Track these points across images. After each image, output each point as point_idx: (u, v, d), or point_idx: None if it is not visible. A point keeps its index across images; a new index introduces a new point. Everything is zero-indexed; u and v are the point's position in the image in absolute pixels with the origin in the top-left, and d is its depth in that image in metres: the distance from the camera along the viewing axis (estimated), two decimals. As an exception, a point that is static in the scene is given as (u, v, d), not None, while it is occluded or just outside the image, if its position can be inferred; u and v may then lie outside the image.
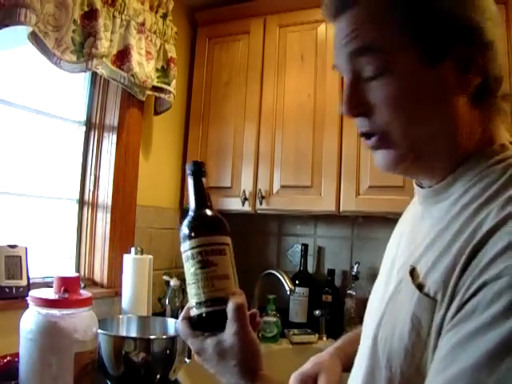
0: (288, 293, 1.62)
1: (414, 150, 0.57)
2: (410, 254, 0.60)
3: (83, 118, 1.70)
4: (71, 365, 0.98)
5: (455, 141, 0.56)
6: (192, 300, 0.64)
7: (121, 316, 1.44)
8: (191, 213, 0.68)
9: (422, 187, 0.64)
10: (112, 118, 1.69)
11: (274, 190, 1.81)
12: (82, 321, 1.02)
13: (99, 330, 1.10)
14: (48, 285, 1.33)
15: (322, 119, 1.74)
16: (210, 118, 1.98)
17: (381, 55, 0.54)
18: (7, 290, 1.26)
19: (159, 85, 1.72)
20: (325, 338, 1.79)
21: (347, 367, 0.73)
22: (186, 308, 0.67)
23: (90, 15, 1.38)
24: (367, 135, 0.61)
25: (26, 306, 1.02)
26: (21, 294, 1.26)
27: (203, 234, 0.65)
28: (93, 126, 1.71)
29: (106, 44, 1.44)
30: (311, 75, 1.79)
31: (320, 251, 2.04)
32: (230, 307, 0.63)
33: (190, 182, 0.69)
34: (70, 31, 1.33)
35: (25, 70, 1.48)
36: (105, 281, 1.63)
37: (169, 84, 1.75)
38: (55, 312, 0.99)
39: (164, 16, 1.74)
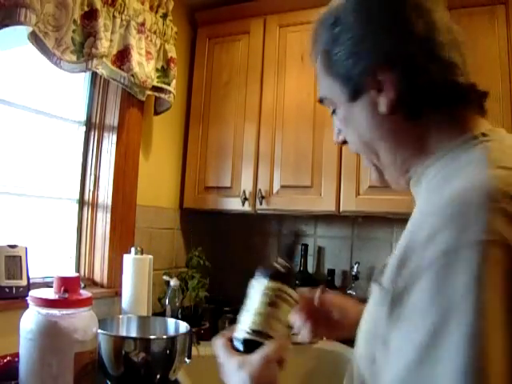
0: (288, 293, 1.62)
1: (376, 168, 0.68)
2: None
3: (83, 118, 1.70)
4: (71, 365, 0.98)
5: (402, 154, 0.62)
6: (245, 324, 0.72)
7: (121, 316, 1.44)
8: (282, 261, 0.83)
9: None
10: (112, 118, 1.69)
11: (274, 190, 1.81)
12: (81, 321, 1.02)
13: (99, 330, 1.10)
14: (48, 285, 1.33)
15: (322, 119, 1.74)
16: (210, 118, 1.99)
17: (329, 101, 0.69)
18: (7, 289, 1.26)
19: (159, 85, 1.72)
20: (325, 338, 1.78)
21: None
22: (232, 328, 0.74)
23: (90, 15, 1.38)
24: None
25: (26, 306, 1.02)
26: (21, 294, 1.26)
27: (284, 283, 0.77)
28: (93, 126, 1.71)
29: (106, 44, 1.44)
30: (311, 75, 1.79)
31: (320, 251, 2.04)
32: (271, 342, 0.67)
33: (290, 240, 0.81)
34: (69, 31, 1.33)
35: (25, 70, 1.48)
36: (105, 281, 1.63)
37: (169, 84, 1.75)
38: (55, 312, 0.99)
39: (164, 16, 1.74)
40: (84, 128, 1.70)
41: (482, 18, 1.54)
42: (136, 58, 1.57)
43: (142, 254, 1.54)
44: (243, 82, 1.92)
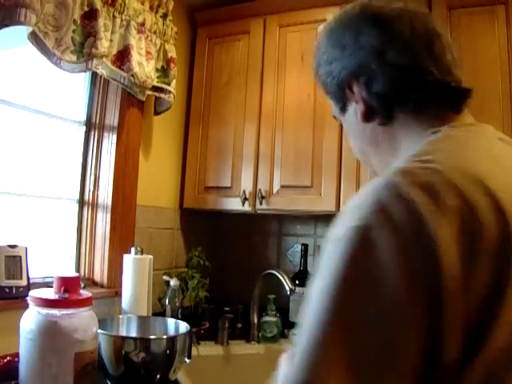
0: (288, 293, 1.62)
1: (366, 163, 0.77)
2: None
3: (83, 118, 1.70)
4: (71, 365, 0.98)
5: (383, 156, 0.69)
6: None
7: (121, 316, 1.44)
8: None
9: None
10: (112, 118, 1.69)
11: (274, 190, 1.81)
12: (81, 321, 1.02)
13: (99, 330, 1.10)
14: (48, 285, 1.33)
15: (322, 119, 1.74)
16: (210, 118, 1.99)
17: (337, 117, 0.77)
18: (7, 289, 1.26)
19: (159, 85, 1.72)
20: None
21: None
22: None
23: (90, 15, 1.38)
24: None
25: (26, 306, 1.02)
26: (21, 294, 1.26)
27: None
28: (93, 126, 1.71)
29: (106, 44, 1.44)
30: (311, 75, 1.78)
31: (320, 251, 2.03)
32: None
33: None
34: (69, 31, 1.33)
35: (25, 70, 1.48)
36: (105, 281, 1.63)
37: (169, 84, 1.75)
38: (55, 312, 0.99)
39: (164, 16, 1.74)
40: (84, 128, 1.70)
41: (482, 18, 1.54)
42: (136, 58, 1.57)
43: (142, 254, 1.54)
44: (243, 81, 1.92)
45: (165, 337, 1.28)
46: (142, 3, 1.61)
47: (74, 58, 1.35)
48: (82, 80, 1.70)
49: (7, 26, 1.14)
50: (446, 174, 0.49)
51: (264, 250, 2.15)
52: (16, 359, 1.04)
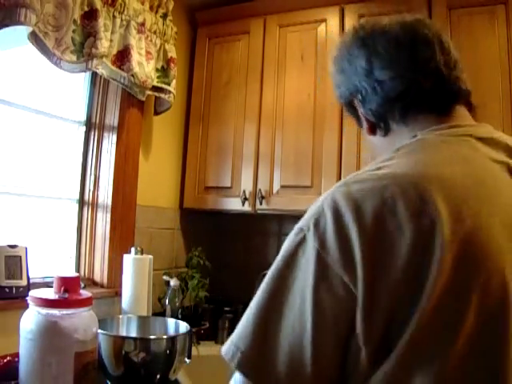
0: (288, 293, 1.62)
1: None
2: None
3: (83, 118, 1.70)
4: (71, 365, 0.98)
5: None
6: None
7: (121, 316, 1.44)
8: None
9: None
10: (112, 118, 1.69)
11: (274, 190, 1.81)
12: (81, 321, 1.02)
13: (99, 330, 1.10)
14: (48, 285, 1.33)
15: (322, 119, 1.74)
16: (210, 117, 1.98)
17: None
18: (7, 289, 1.26)
19: (159, 85, 1.72)
20: None
21: None
22: None
23: (90, 15, 1.38)
24: None
25: (26, 306, 1.02)
26: (21, 294, 1.26)
27: None
28: (93, 126, 1.71)
29: (106, 44, 1.44)
30: (311, 75, 1.79)
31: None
32: None
33: None
34: (69, 31, 1.33)
35: (25, 70, 1.48)
36: (105, 281, 1.62)
37: (169, 84, 1.75)
38: (55, 312, 0.99)
39: (164, 16, 1.74)
40: (84, 128, 1.70)
41: (482, 18, 1.54)
42: (136, 58, 1.57)
43: (142, 254, 1.54)
44: (243, 81, 1.92)
45: (165, 337, 1.28)
46: (142, 3, 1.61)
47: (74, 58, 1.35)
48: (82, 80, 1.70)
49: (7, 25, 1.14)
50: (384, 177, 0.55)
51: (264, 250, 2.15)
52: (16, 359, 1.04)
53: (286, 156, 1.80)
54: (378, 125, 0.73)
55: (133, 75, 1.56)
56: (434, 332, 0.49)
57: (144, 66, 1.61)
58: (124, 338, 1.20)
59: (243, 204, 1.83)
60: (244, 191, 1.84)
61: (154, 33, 1.69)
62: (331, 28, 1.78)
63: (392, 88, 0.67)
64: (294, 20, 1.86)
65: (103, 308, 1.53)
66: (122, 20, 1.52)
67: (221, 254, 2.18)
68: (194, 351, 1.46)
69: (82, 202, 1.68)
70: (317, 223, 0.55)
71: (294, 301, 0.55)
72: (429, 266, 0.49)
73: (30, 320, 0.99)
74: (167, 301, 1.62)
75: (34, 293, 1.03)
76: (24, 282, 1.29)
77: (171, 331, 1.34)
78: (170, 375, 1.19)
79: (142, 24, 1.62)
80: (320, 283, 0.53)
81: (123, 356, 1.11)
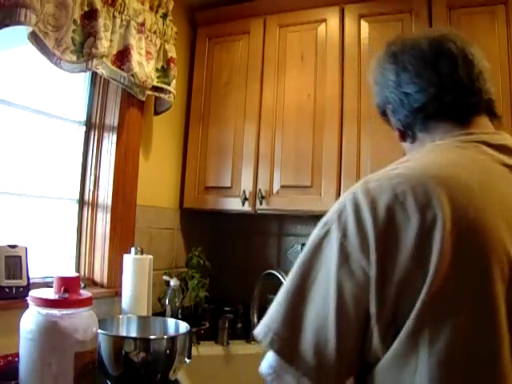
0: (288, 293, 1.62)
1: None
2: None
3: (83, 118, 1.70)
4: (71, 365, 0.98)
5: None
6: None
7: (121, 316, 1.44)
8: None
9: None
10: (112, 118, 1.69)
11: (274, 190, 1.81)
12: (82, 321, 1.02)
13: (99, 330, 1.10)
14: (48, 285, 1.33)
15: (322, 119, 1.74)
16: (210, 118, 1.99)
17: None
18: (7, 289, 1.26)
19: (159, 85, 1.72)
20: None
21: None
22: None
23: (90, 15, 1.38)
24: None
25: (26, 306, 1.02)
26: (21, 294, 1.26)
27: None
28: (93, 126, 1.71)
29: (106, 44, 1.44)
30: (311, 75, 1.79)
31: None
32: None
33: None
34: (69, 31, 1.33)
35: (25, 70, 1.48)
36: (105, 281, 1.62)
37: (169, 84, 1.75)
38: (55, 312, 0.99)
39: (164, 16, 1.74)
40: (84, 128, 1.70)
41: (482, 18, 1.54)
42: (136, 58, 1.57)
43: (142, 254, 1.54)
44: (243, 82, 1.92)
45: (165, 337, 1.28)
46: (142, 3, 1.61)
47: (74, 58, 1.35)
48: (82, 80, 1.70)
49: (7, 25, 1.14)
50: (398, 176, 0.63)
51: (264, 250, 2.15)
52: (16, 359, 1.04)
53: (286, 156, 1.80)
54: (407, 133, 0.80)
55: (133, 75, 1.56)
56: (439, 306, 0.55)
57: (144, 66, 1.61)
58: (124, 338, 1.20)
59: (243, 204, 1.83)
60: (244, 191, 1.84)
61: (154, 33, 1.69)
62: (331, 28, 1.78)
63: (416, 100, 0.74)
64: (294, 20, 1.86)
65: (103, 308, 1.53)
66: (122, 20, 1.52)
67: (221, 254, 2.18)
68: (194, 351, 1.46)
69: (82, 202, 1.68)
70: (340, 216, 0.63)
71: (319, 286, 0.62)
72: (431, 248, 0.56)
73: (30, 320, 0.99)
74: (167, 301, 1.62)
75: (33, 293, 1.03)
76: (24, 282, 1.29)
77: (171, 331, 1.34)
78: (170, 375, 1.19)
79: (142, 24, 1.62)
80: (342, 269, 0.60)
81: (123, 356, 1.11)
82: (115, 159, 1.66)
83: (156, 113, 1.85)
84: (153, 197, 1.87)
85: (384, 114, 0.85)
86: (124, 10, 1.52)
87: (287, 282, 0.66)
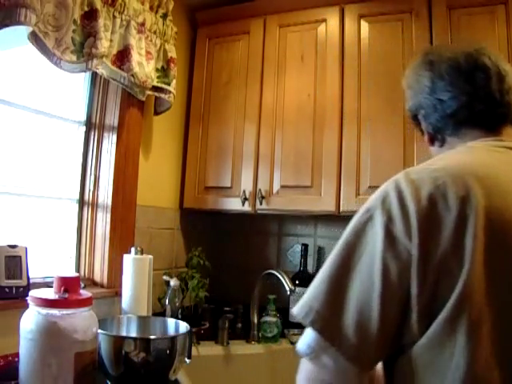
0: (288, 293, 1.62)
1: None
2: None
3: (83, 118, 1.70)
4: (71, 365, 0.98)
5: None
6: None
7: (121, 316, 1.44)
8: None
9: None
10: (112, 118, 1.69)
11: (274, 190, 1.81)
12: (82, 321, 1.02)
13: (99, 330, 1.10)
14: (48, 285, 1.33)
15: (322, 119, 1.74)
16: (210, 118, 1.99)
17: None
18: (7, 289, 1.26)
19: (159, 85, 1.72)
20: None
21: None
22: None
23: (90, 15, 1.38)
24: None
25: (26, 306, 1.02)
26: (21, 294, 1.26)
27: None
28: (93, 126, 1.71)
29: (106, 44, 1.44)
30: (311, 75, 1.79)
31: (320, 251, 2.04)
32: None
33: None
34: (70, 31, 1.33)
35: (25, 70, 1.48)
36: (105, 281, 1.62)
37: (169, 84, 1.75)
38: (55, 312, 0.99)
39: (164, 16, 1.74)
40: (84, 128, 1.70)
41: (482, 18, 1.54)
42: (136, 58, 1.57)
43: (142, 254, 1.54)
44: (243, 82, 1.92)
45: (165, 337, 1.28)
46: (142, 3, 1.61)
47: (74, 57, 1.35)
48: (82, 80, 1.70)
49: (7, 25, 1.14)
50: (435, 170, 0.67)
51: (264, 250, 2.15)
52: (16, 359, 1.04)
53: (286, 156, 1.80)
54: (436, 137, 0.86)
55: (133, 75, 1.56)
56: (475, 299, 0.58)
57: (144, 66, 1.61)
58: (124, 338, 1.20)
59: (243, 204, 1.83)
60: (244, 191, 1.84)
61: (154, 33, 1.69)
62: (331, 28, 1.78)
63: (448, 106, 0.80)
64: (294, 20, 1.86)
65: (103, 308, 1.53)
66: (122, 20, 1.52)
67: (221, 254, 2.18)
68: (194, 351, 1.46)
69: (82, 202, 1.68)
70: (383, 202, 0.67)
71: (363, 266, 0.65)
72: (465, 242, 0.60)
73: (30, 320, 0.99)
74: (167, 301, 1.62)
75: (34, 293, 1.03)
76: (24, 282, 1.29)
77: (171, 331, 1.34)
78: (170, 375, 1.19)
79: (142, 24, 1.62)
80: (387, 251, 0.63)
81: (123, 356, 1.11)
82: (115, 159, 1.66)
83: (156, 113, 1.85)
84: (153, 197, 1.87)
85: (415, 118, 0.90)
86: (124, 10, 1.52)
87: (328, 263, 0.68)
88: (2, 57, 1.40)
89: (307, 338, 0.67)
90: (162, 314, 1.62)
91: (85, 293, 1.08)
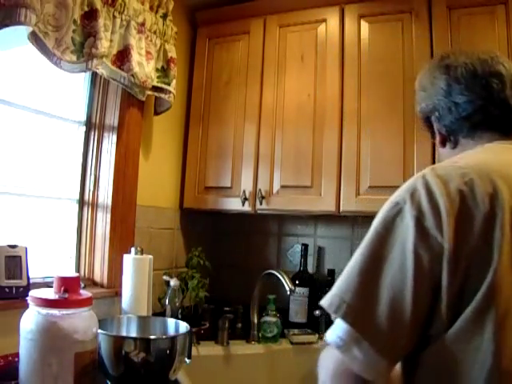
0: (288, 293, 1.62)
1: None
2: None
3: (83, 118, 1.70)
4: (71, 365, 0.98)
5: None
6: None
7: (121, 316, 1.44)
8: None
9: None
10: (112, 118, 1.69)
11: (274, 190, 1.81)
12: (82, 321, 1.02)
13: (99, 330, 1.10)
14: (48, 285, 1.33)
15: (322, 119, 1.74)
16: (210, 118, 1.99)
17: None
18: (7, 289, 1.26)
19: (159, 85, 1.72)
20: (325, 338, 1.78)
21: None
22: None
23: (90, 15, 1.38)
24: None
25: (26, 306, 1.02)
26: (21, 294, 1.26)
27: None
28: (93, 126, 1.71)
29: (106, 44, 1.44)
30: (311, 75, 1.79)
31: (320, 251, 2.04)
32: None
33: None
34: (70, 31, 1.33)
35: (25, 70, 1.48)
36: (105, 281, 1.62)
37: (169, 84, 1.75)
38: (55, 312, 0.99)
39: (164, 16, 1.74)
40: (84, 128, 1.70)
41: (482, 18, 1.54)
42: (136, 58, 1.57)
43: (142, 254, 1.54)
44: (243, 81, 1.92)
45: (165, 337, 1.28)
46: (142, 3, 1.61)
47: (74, 57, 1.35)
48: (82, 80, 1.69)
49: (7, 26, 1.14)
50: (461, 168, 0.69)
51: (264, 250, 2.15)
52: (16, 359, 1.04)
53: (286, 156, 1.80)
54: (449, 138, 0.88)
55: (133, 75, 1.56)
56: (503, 292, 0.60)
57: (144, 66, 1.61)
58: (124, 338, 1.20)
59: (243, 204, 1.83)
60: (244, 191, 1.84)
61: (154, 33, 1.69)
62: (331, 28, 1.78)
63: (464, 109, 0.83)
64: (294, 20, 1.86)
65: (103, 308, 1.53)
66: (122, 20, 1.52)
67: (221, 253, 2.18)
68: (194, 351, 1.46)
69: (82, 202, 1.68)
70: (412, 196, 0.68)
71: (394, 258, 0.66)
72: (494, 238, 0.62)
73: (30, 320, 0.99)
74: (167, 301, 1.62)
75: (34, 293, 1.03)
76: (24, 282, 1.29)
77: (171, 331, 1.34)
78: (170, 375, 1.19)
79: (142, 24, 1.62)
80: (419, 243, 0.65)
81: (123, 356, 1.11)
82: (115, 159, 1.66)
83: (156, 113, 1.85)
84: (153, 197, 1.87)
85: (427, 119, 0.92)
86: (124, 10, 1.52)
87: (358, 256, 0.70)
88: (2, 57, 1.40)
89: (338, 330, 0.68)
90: (162, 313, 1.62)
91: (85, 293, 1.08)
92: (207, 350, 1.65)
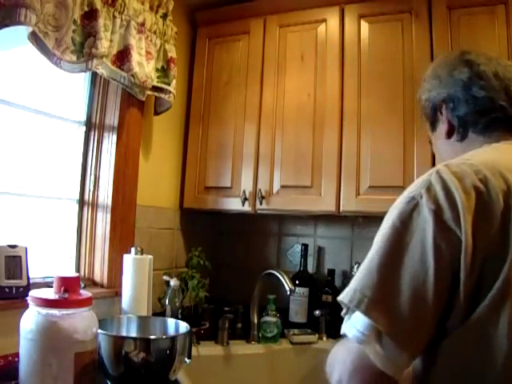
0: (288, 293, 1.62)
1: None
2: None
3: (83, 118, 1.70)
4: (71, 365, 0.98)
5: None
6: None
7: (121, 316, 1.44)
8: None
9: None
10: (112, 118, 1.69)
11: (274, 190, 1.81)
12: (82, 321, 1.02)
13: (99, 330, 1.10)
14: (48, 285, 1.33)
15: (322, 119, 1.75)
16: (210, 118, 1.99)
17: (429, 134, 1.01)
18: (7, 289, 1.26)
19: (159, 85, 1.72)
20: (325, 338, 1.79)
21: None
22: None
23: (90, 15, 1.38)
24: None
25: (26, 306, 1.02)
26: (21, 294, 1.26)
27: None
28: (93, 126, 1.71)
29: (106, 44, 1.44)
30: (311, 75, 1.79)
31: (320, 251, 2.04)
32: None
33: None
34: (70, 31, 1.33)
35: (25, 70, 1.48)
36: (105, 281, 1.62)
37: (169, 84, 1.75)
38: (55, 312, 0.99)
39: (164, 16, 1.74)
40: (84, 128, 1.70)
41: (482, 18, 1.54)
42: (136, 58, 1.57)
43: (142, 254, 1.54)
44: (243, 81, 1.92)
45: (165, 337, 1.28)
46: (142, 3, 1.61)
47: (74, 58, 1.35)
48: (82, 80, 1.70)
49: (7, 26, 1.14)
50: (473, 165, 0.70)
51: (264, 250, 2.15)
52: (16, 359, 1.04)
53: (286, 156, 1.80)
54: (458, 130, 0.89)
55: (133, 75, 1.56)
56: None
57: (144, 66, 1.61)
58: (124, 338, 1.20)
59: (243, 204, 1.83)
60: (244, 191, 1.84)
61: (154, 33, 1.69)
62: (331, 28, 1.78)
63: (482, 104, 0.85)
64: (294, 20, 1.86)
65: (103, 308, 1.53)
66: (122, 20, 1.52)
67: (221, 253, 2.18)
68: (194, 351, 1.46)
69: (82, 202, 1.68)
70: (428, 191, 0.69)
71: (413, 251, 0.67)
72: (510, 225, 0.65)
73: (30, 320, 0.99)
74: (167, 301, 1.62)
75: (34, 293, 1.03)
76: (24, 282, 1.29)
77: (171, 331, 1.34)
78: (170, 375, 1.19)
79: (142, 24, 1.62)
80: (439, 235, 0.66)
81: (123, 356, 1.11)
82: (115, 159, 1.66)
83: (156, 113, 1.85)
84: (153, 197, 1.87)
85: (433, 108, 0.93)
86: (124, 10, 1.52)
87: (376, 251, 0.70)
88: (2, 57, 1.40)
89: (359, 325, 0.68)
90: (162, 313, 1.62)
91: (85, 293, 1.08)
92: (207, 350, 1.65)
